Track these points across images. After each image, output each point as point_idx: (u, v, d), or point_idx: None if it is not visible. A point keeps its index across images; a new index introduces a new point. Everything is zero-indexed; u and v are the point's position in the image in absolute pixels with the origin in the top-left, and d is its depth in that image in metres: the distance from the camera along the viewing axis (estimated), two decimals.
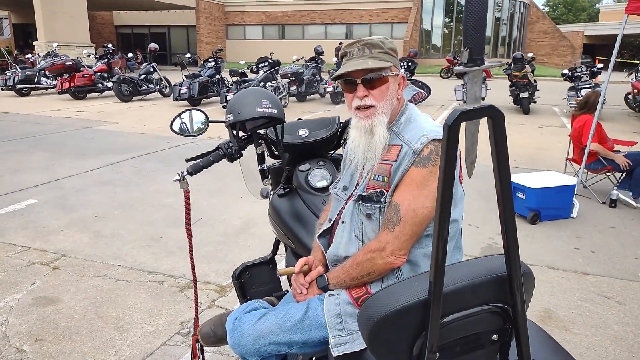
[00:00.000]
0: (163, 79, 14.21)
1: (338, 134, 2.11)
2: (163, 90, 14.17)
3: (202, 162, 1.82)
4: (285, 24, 31.92)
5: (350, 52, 1.40)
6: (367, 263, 1.33)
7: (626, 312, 2.93)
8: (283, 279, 2.29)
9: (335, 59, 16.23)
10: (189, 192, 1.82)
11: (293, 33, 31.76)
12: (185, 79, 12.15)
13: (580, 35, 36.19)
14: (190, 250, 1.87)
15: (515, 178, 4.52)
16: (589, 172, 5.21)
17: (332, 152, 2.21)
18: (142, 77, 13.72)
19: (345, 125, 2.09)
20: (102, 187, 5.27)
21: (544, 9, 42.82)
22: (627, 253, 3.74)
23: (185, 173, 1.78)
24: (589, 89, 10.26)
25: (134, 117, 10.49)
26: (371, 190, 1.37)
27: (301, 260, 1.48)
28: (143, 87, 13.57)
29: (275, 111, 1.79)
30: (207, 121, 1.94)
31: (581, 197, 4.92)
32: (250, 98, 1.77)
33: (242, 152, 1.89)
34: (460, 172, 1.41)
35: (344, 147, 2.23)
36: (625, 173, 4.84)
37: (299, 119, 2.24)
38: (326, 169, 2.04)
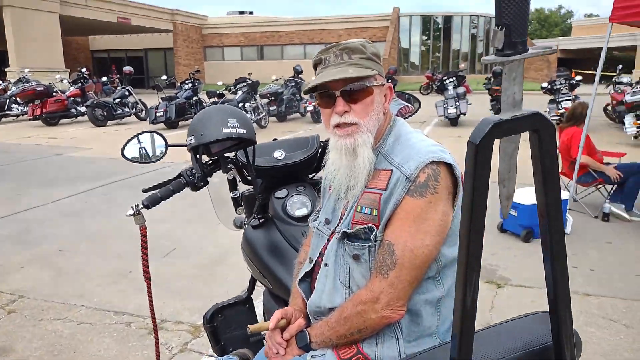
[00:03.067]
0: (139, 102, 13.91)
1: (318, 155, 1.88)
2: (139, 113, 13.86)
3: (160, 193, 1.56)
4: (264, 44, 31.96)
5: (326, 59, 1.17)
6: (358, 318, 1.08)
7: (635, 336, 2.71)
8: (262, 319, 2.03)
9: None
10: (145, 228, 1.56)
11: (272, 54, 31.80)
12: (161, 101, 11.88)
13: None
14: (150, 298, 1.60)
15: None
16: (579, 186, 5.06)
17: (312, 175, 1.97)
18: (117, 100, 13.41)
19: (326, 144, 1.86)
20: (69, 218, 4.93)
21: None
22: (627, 271, 3.55)
23: (141, 206, 1.52)
24: (569, 101, 10.29)
25: (108, 142, 10.14)
26: (358, 226, 1.12)
27: (277, 313, 1.22)
28: (118, 111, 13.24)
29: (244, 131, 1.54)
30: (166, 145, 1.69)
31: (573, 211, 4.75)
32: (215, 117, 1.52)
33: (208, 179, 1.64)
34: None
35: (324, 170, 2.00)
36: (616, 185, 4.70)
37: (274, 139, 2.00)
38: (306, 194, 1.80)
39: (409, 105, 2.21)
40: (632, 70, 24.90)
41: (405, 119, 1.54)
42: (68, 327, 2.85)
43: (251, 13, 40.13)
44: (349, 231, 1.13)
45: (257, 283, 1.99)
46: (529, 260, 3.75)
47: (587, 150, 4.72)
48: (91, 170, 7.26)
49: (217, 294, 3.19)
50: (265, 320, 1.78)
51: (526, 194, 4.29)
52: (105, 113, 12.85)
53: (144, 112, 13.77)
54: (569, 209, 4.61)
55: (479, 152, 0.44)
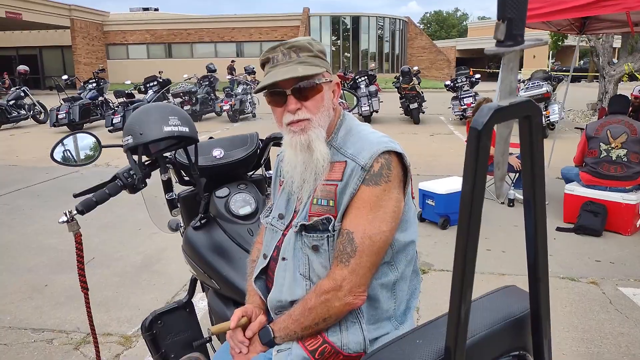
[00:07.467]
0: (37, 103, 12.83)
1: (258, 153, 1.87)
2: (37, 116, 12.79)
3: (95, 197, 1.48)
4: (171, 42, 30.81)
5: (274, 58, 1.17)
6: (322, 307, 1.10)
7: (557, 309, 3.00)
8: (204, 322, 1.99)
9: (229, 76, 15.92)
10: (80, 235, 1.47)
11: (181, 52, 30.75)
12: (63, 102, 11.05)
13: (453, 50, 39.48)
14: (88, 309, 1.51)
15: (424, 185, 4.58)
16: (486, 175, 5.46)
17: (251, 172, 1.96)
18: (12, 102, 12.26)
19: (267, 142, 1.87)
20: None
21: (420, 26, 46.17)
22: None
23: (75, 212, 1.43)
24: (470, 98, 11.06)
25: (4, 147, 9.26)
26: (315, 218, 1.15)
27: (237, 312, 1.21)
28: (13, 114, 12.14)
29: (187, 129, 1.50)
30: (99, 146, 1.60)
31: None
32: (155, 115, 1.47)
33: (147, 180, 1.57)
34: (411, 186, 1.24)
35: (264, 168, 2.00)
36: (518, 173, 5.14)
37: (211, 137, 1.97)
38: (248, 192, 1.79)
39: (344, 102, 2.28)
40: (521, 69, 27.24)
41: None
42: None
43: (156, 10, 38.52)
44: (306, 223, 1.15)
45: (198, 286, 1.95)
46: (446, 246, 4.00)
47: (492, 141, 5.11)
48: None
49: (145, 302, 3.06)
50: (212, 322, 1.75)
51: (442, 184, 4.57)
52: None
53: (43, 115, 12.73)
54: None
55: (481, 137, 0.48)
